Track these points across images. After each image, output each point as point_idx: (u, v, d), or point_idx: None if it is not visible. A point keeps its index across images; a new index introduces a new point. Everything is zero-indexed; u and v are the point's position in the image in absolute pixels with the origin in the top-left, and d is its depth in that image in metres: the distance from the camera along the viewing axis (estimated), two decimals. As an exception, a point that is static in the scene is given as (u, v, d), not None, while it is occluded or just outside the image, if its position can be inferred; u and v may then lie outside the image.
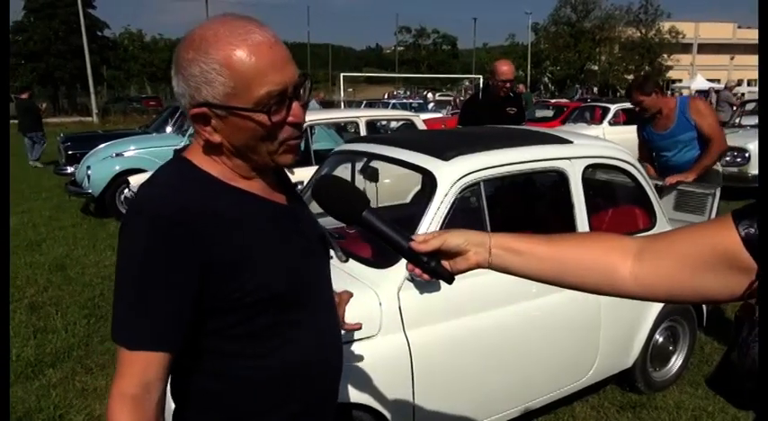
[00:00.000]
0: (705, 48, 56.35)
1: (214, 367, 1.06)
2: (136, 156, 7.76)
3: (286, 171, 1.23)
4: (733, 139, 8.51)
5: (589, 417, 2.92)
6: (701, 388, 3.13)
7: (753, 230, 0.76)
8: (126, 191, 7.03)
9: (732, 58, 55.29)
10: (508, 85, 4.56)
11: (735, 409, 2.88)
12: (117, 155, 7.73)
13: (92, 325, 4.08)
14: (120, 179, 7.27)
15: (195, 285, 0.97)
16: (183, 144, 7.99)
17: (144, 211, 0.98)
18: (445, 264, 1.04)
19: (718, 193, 3.43)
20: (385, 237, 1.07)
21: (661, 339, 3.07)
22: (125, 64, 48.69)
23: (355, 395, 2.02)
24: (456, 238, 1.02)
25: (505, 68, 4.53)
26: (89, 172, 7.37)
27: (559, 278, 0.97)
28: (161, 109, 15.65)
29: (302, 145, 5.23)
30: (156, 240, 0.95)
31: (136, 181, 5.98)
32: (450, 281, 1.06)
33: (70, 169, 8.53)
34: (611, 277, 0.92)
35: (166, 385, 1.00)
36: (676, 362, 3.19)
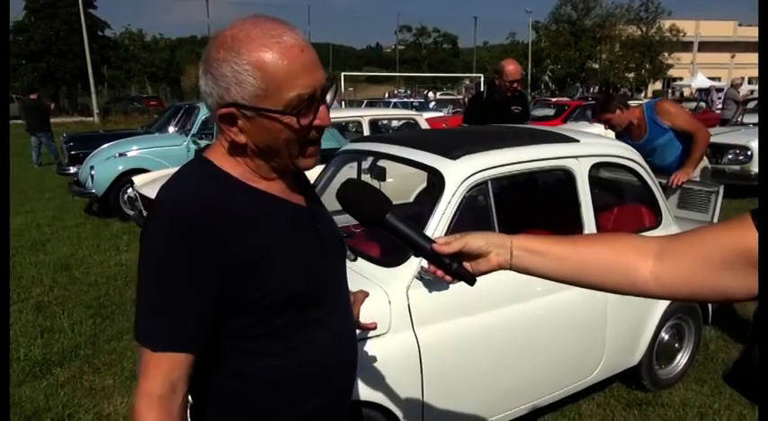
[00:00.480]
0: (706, 46, 56.25)
1: (234, 367, 1.07)
2: (139, 156, 7.77)
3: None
4: (735, 137, 8.53)
5: (595, 415, 2.93)
6: (707, 385, 3.15)
7: None
8: (129, 190, 7.02)
9: (733, 57, 55.28)
10: (515, 85, 4.58)
11: (741, 407, 2.90)
12: (120, 155, 7.75)
13: (98, 324, 4.10)
14: (124, 179, 7.28)
15: (217, 285, 0.98)
16: (185, 144, 8.03)
17: (166, 212, 0.99)
18: (466, 265, 1.06)
19: (721, 191, 3.45)
20: (407, 240, 1.08)
21: (667, 337, 3.08)
22: (126, 64, 48.65)
23: (365, 393, 2.04)
24: (477, 240, 1.04)
25: (512, 68, 4.54)
26: (92, 172, 7.39)
27: (579, 278, 0.99)
28: (162, 109, 15.65)
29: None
30: (178, 240, 0.96)
31: (140, 181, 6.00)
32: (472, 282, 1.07)
33: (73, 169, 8.54)
34: (632, 277, 0.93)
35: (189, 383, 1.01)
36: (682, 359, 3.19)
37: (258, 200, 1.06)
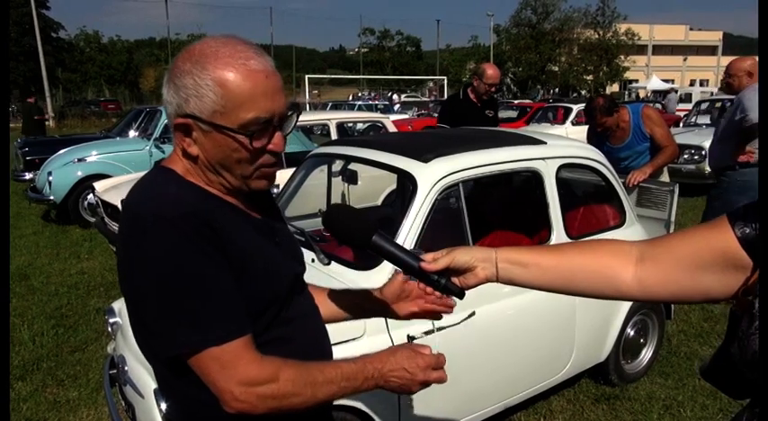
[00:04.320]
0: (660, 49, 58.23)
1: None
2: (99, 161, 7.57)
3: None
4: (689, 138, 8.84)
5: (566, 411, 3.00)
6: (671, 378, 3.25)
7: (748, 230, 0.82)
8: (90, 197, 6.83)
9: (685, 59, 57.26)
10: (493, 88, 4.66)
11: (703, 398, 3.01)
12: (79, 160, 7.52)
13: (60, 335, 3.97)
14: (83, 185, 7.09)
15: (232, 277, 0.99)
16: (147, 148, 7.85)
17: (161, 217, 0.96)
18: (455, 280, 1.09)
19: (677, 190, 3.56)
20: (395, 259, 1.11)
21: (632, 333, 3.17)
22: (82, 66, 47.36)
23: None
24: (464, 255, 1.06)
25: (492, 72, 4.63)
26: (50, 178, 7.16)
27: (565, 287, 1.02)
28: (121, 112, 15.27)
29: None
30: (185, 239, 0.95)
31: (102, 186, 5.83)
32: (461, 296, 1.11)
33: (28, 175, 8.25)
34: (616, 283, 0.97)
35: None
36: (647, 354, 3.29)
37: (226, 208, 1.07)
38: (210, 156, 1.03)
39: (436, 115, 5.57)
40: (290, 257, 1.19)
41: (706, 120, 10.61)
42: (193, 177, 1.07)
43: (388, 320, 2.16)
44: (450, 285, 1.08)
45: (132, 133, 8.57)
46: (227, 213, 1.05)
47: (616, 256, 0.97)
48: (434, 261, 1.06)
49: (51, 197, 7.15)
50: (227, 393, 0.95)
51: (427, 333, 2.24)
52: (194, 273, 0.95)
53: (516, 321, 2.57)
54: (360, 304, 1.36)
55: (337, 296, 1.36)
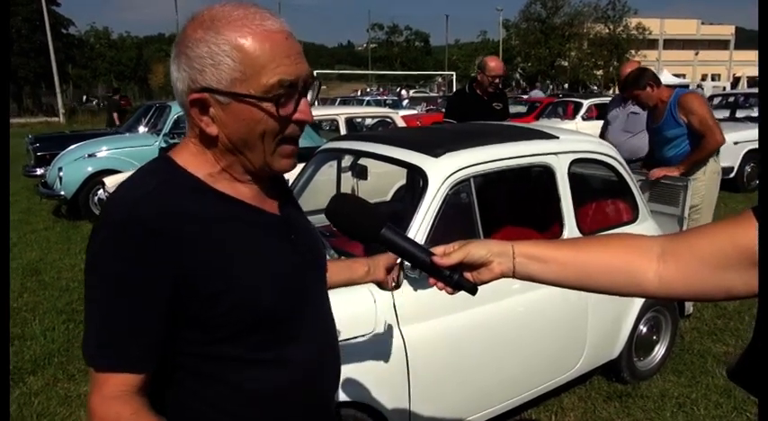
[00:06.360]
0: (671, 43, 57.67)
1: (192, 389, 0.98)
2: (109, 157, 7.60)
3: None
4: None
5: (577, 408, 2.97)
6: (684, 375, 3.22)
7: None
8: (100, 192, 6.87)
9: (697, 54, 56.70)
10: (497, 80, 4.61)
11: (717, 396, 2.98)
12: (89, 156, 7.56)
13: (71, 330, 3.99)
14: (94, 180, 7.12)
15: (167, 300, 0.89)
16: (156, 144, 7.87)
17: (113, 218, 0.90)
18: (468, 275, 1.02)
19: (690, 186, 3.51)
20: (405, 253, 1.04)
21: (645, 330, 3.13)
22: (91, 62, 47.60)
23: (352, 393, 2.02)
24: (479, 250, 1.00)
25: (494, 64, 4.60)
26: (60, 173, 7.20)
27: (584, 283, 0.98)
28: (130, 108, 15.34)
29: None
30: (125, 250, 0.87)
31: (112, 182, 5.86)
32: (473, 292, 1.03)
33: (40, 171, 8.30)
34: (637, 280, 0.93)
35: (145, 394, 0.93)
36: (659, 351, 3.26)
37: (223, 206, 0.97)
38: (232, 134, 0.94)
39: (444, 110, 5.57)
40: (304, 260, 1.07)
41: (719, 115, 10.47)
42: (198, 166, 0.97)
43: (399, 317, 2.15)
44: (462, 281, 1.02)
45: (142, 129, 8.61)
46: (219, 211, 0.95)
47: (638, 253, 0.94)
48: (446, 255, 1.00)
49: (62, 192, 7.19)
50: (89, 408, 0.90)
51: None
52: (109, 288, 0.88)
53: (527, 318, 2.54)
54: (338, 279, 1.37)
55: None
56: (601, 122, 5.34)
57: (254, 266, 0.96)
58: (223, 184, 0.98)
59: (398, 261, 1.36)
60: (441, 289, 1.03)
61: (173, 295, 0.89)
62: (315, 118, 7.02)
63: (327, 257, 1.31)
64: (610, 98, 4.85)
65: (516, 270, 1.00)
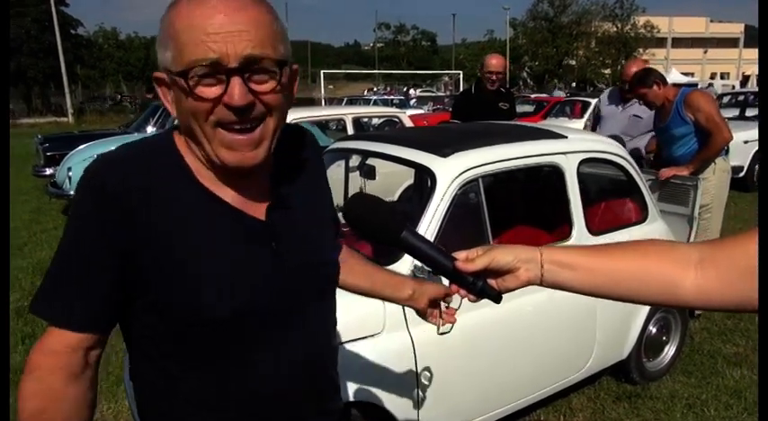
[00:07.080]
0: (679, 42, 57.30)
1: (156, 376, 1.01)
2: (118, 157, 7.63)
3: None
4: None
5: (586, 409, 2.96)
6: (694, 376, 3.20)
7: None
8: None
9: (705, 52, 56.33)
10: (495, 77, 4.60)
11: (727, 397, 2.95)
12: (98, 155, 7.59)
13: (81, 329, 4.01)
14: (103, 180, 7.16)
15: (117, 269, 0.90)
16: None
17: (83, 180, 0.93)
18: (492, 282, 0.96)
19: (700, 185, 3.48)
20: (426, 258, 0.98)
21: (654, 330, 3.12)
22: (100, 62, 47.87)
23: (361, 393, 2.02)
24: (505, 256, 0.94)
25: (494, 61, 4.59)
26: (70, 173, 7.24)
27: (614, 291, 0.92)
28: (137, 105, 15.41)
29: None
30: (85, 214, 0.91)
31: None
32: (498, 300, 0.97)
33: (49, 171, 8.36)
34: (673, 290, 0.88)
35: (89, 360, 0.96)
36: (669, 352, 3.24)
37: (197, 198, 0.93)
38: (179, 116, 0.92)
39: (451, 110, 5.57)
40: (287, 266, 0.99)
41: (729, 113, 10.39)
42: (188, 153, 0.96)
43: (408, 317, 2.15)
44: (486, 288, 0.95)
45: (150, 129, 8.64)
46: (190, 201, 0.93)
47: (671, 260, 0.88)
48: (470, 260, 0.94)
49: (71, 192, 7.23)
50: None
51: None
52: (68, 243, 0.92)
53: (536, 318, 2.53)
54: (380, 291, 1.33)
55: (365, 276, 1.31)
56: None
57: (206, 267, 0.92)
58: (204, 176, 0.95)
59: (443, 300, 1.32)
60: (463, 296, 0.98)
61: (123, 267, 0.90)
62: (323, 118, 7.09)
63: (365, 263, 1.33)
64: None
65: (545, 278, 0.94)
